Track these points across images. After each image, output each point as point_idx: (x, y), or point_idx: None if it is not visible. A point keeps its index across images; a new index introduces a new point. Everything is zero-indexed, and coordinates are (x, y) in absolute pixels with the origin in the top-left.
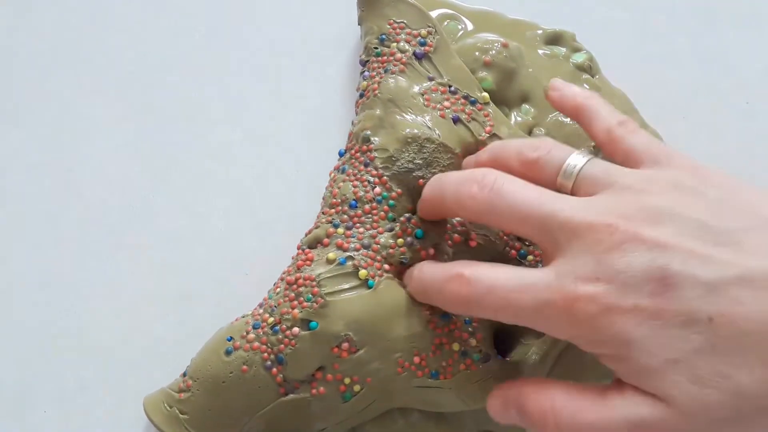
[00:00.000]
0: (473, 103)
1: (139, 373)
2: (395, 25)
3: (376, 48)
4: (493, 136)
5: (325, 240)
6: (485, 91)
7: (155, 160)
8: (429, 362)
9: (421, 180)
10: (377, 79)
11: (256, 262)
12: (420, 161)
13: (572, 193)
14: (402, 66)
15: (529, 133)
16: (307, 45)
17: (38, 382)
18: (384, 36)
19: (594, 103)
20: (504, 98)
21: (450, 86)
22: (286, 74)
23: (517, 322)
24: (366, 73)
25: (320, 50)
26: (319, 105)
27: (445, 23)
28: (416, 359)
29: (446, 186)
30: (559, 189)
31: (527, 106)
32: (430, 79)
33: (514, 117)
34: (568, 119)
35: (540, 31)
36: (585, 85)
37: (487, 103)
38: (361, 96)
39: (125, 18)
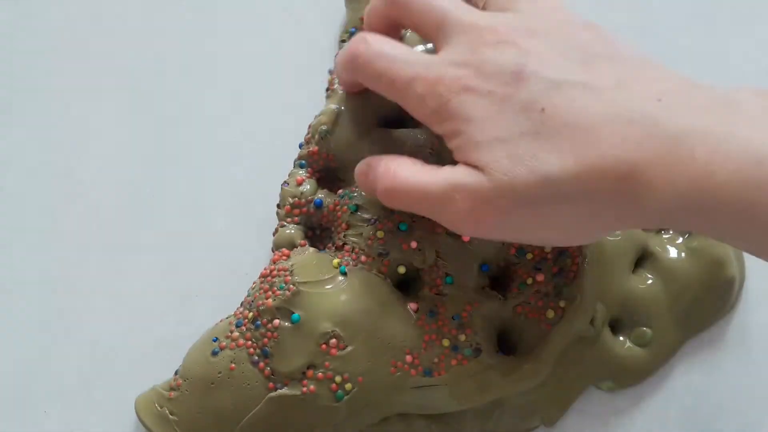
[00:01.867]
0: None
1: (140, 373)
2: None
3: (343, 41)
4: None
5: (302, 242)
6: None
7: (155, 160)
8: (422, 360)
9: None
10: None
11: (256, 262)
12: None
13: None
14: None
15: None
16: (308, 45)
17: (38, 382)
18: (354, 30)
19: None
20: None
21: None
22: (286, 74)
23: (389, 94)
24: (330, 68)
25: (323, 51)
26: (319, 105)
27: None
28: (408, 357)
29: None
30: (473, 2)
31: None
32: None
33: None
34: None
35: None
36: None
37: None
38: (327, 90)
39: (126, 18)
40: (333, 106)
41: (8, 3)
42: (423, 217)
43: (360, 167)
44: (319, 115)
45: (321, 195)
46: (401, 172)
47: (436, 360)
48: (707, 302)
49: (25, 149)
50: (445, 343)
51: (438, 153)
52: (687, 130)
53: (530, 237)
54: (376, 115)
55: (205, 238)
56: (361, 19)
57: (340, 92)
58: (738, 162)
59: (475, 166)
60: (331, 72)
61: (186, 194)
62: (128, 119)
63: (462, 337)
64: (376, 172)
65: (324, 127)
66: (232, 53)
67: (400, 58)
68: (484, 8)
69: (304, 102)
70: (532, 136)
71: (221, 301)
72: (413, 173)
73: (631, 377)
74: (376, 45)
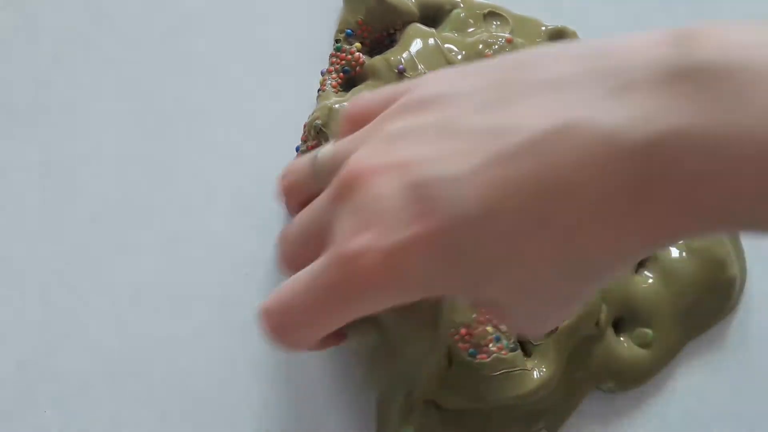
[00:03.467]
0: None
1: (140, 373)
2: (364, 27)
3: (338, 42)
4: None
5: None
6: None
7: (155, 160)
8: (473, 337)
9: None
10: (334, 75)
11: (256, 262)
12: None
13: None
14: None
15: None
16: (309, 45)
17: (38, 382)
18: (350, 32)
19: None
20: None
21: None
22: (287, 74)
23: (343, 318)
24: (323, 69)
25: (325, 51)
26: (314, 105)
27: (453, 12)
28: (463, 330)
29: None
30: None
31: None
32: (401, 72)
33: None
34: None
35: (543, 28)
36: None
37: None
38: (318, 91)
39: (126, 18)
40: (327, 102)
41: (9, 4)
42: None
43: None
44: (314, 113)
45: None
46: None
47: (481, 342)
48: (708, 302)
49: (25, 149)
50: (489, 329)
51: None
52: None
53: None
54: None
55: (205, 238)
56: (358, 23)
57: (332, 91)
58: None
59: None
60: (323, 73)
61: (186, 194)
62: (127, 119)
63: (503, 328)
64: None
65: (318, 122)
66: (233, 53)
67: (303, 291)
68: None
69: (301, 102)
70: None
71: (221, 301)
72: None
73: (632, 379)
74: (270, 306)
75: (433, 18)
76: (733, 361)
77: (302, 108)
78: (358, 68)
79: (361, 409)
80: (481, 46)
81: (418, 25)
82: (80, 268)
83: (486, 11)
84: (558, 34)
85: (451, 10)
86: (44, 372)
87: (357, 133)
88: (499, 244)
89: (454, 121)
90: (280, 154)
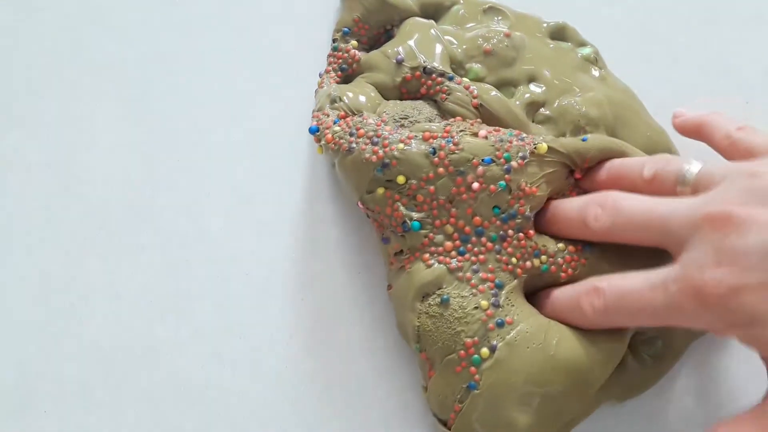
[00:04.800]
0: (450, 78)
1: (139, 373)
2: (360, 24)
3: (335, 41)
4: (481, 107)
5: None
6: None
7: (155, 160)
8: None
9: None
10: (332, 75)
11: (256, 262)
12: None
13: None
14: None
15: (536, 111)
16: (309, 45)
17: (38, 382)
18: (347, 30)
19: (714, 117)
20: (510, 79)
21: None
22: (287, 74)
23: (654, 323)
24: (321, 72)
25: (325, 51)
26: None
27: (453, 8)
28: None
29: (570, 212)
30: (679, 196)
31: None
32: (399, 62)
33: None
34: (577, 104)
35: (544, 25)
36: (594, 74)
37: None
38: (316, 92)
39: (126, 17)
40: (326, 89)
41: (9, 3)
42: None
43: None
44: (319, 100)
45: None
46: None
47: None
48: None
49: (25, 149)
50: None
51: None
52: None
53: None
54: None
55: (205, 238)
56: (355, 20)
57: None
58: None
59: None
60: (321, 75)
61: (186, 194)
62: (127, 119)
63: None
64: None
65: (335, 93)
66: (233, 53)
67: (643, 287)
68: (695, 190)
69: (306, 102)
70: None
71: (221, 301)
72: None
73: (637, 388)
74: (609, 288)
75: (432, 15)
76: (734, 361)
77: (302, 108)
78: (354, 65)
79: (360, 412)
80: (480, 41)
81: (417, 18)
82: (80, 268)
83: (486, 7)
84: (559, 31)
85: (450, 7)
86: (44, 372)
87: (744, 164)
88: None
89: None
90: (280, 154)
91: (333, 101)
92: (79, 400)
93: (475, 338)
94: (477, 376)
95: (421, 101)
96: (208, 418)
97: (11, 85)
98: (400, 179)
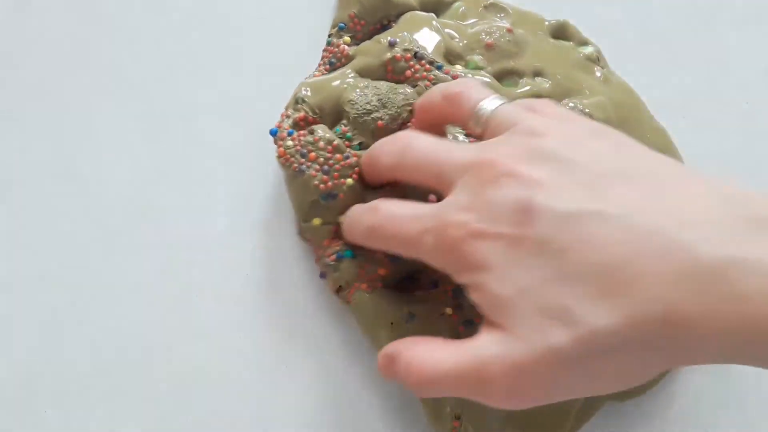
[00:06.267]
0: (439, 68)
1: (140, 373)
2: (356, 20)
3: (330, 36)
4: None
5: None
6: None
7: (155, 160)
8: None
9: (380, 122)
10: (321, 68)
11: (256, 262)
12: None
13: (480, 135)
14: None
15: None
16: (309, 44)
17: (38, 382)
18: (343, 26)
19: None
20: (513, 69)
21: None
22: (286, 74)
23: (406, 253)
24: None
25: (314, 48)
26: None
27: (454, 4)
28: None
29: (373, 149)
30: (469, 131)
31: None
32: (392, 45)
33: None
34: (581, 105)
35: (546, 23)
36: (597, 73)
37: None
38: None
39: (128, 17)
40: (305, 80)
41: (9, 3)
42: None
43: (382, 359)
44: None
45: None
46: (424, 365)
47: None
48: None
49: (25, 149)
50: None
51: None
52: (729, 260)
53: (584, 392)
54: None
55: (205, 238)
56: (350, 16)
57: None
58: None
59: (503, 328)
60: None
61: (186, 194)
62: (128, 119)
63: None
64: (398, 369)
65: (305, 91)
66: (233, 53)
67: (408, 215)
68: (481, 135)
69: None
70: (558, 281)
71: (221, 301)
72: (436, 361)
73: (638, 389)
74: (384, 210)
75: (432, 11)
76: None
77: None
78: (343, 59)
79: (359, 409)
80: (483, 35)
81: (416, 11)
82: (80, 268)
83: (487, 3)
84: (560, 29)
85: (451, 4)
86: (44, 372)
87: (534, 118)
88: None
89: (591, 170)
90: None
91: (296, 101)
92: (79, 400)
93: None
94: None
95: (403, 85)
96: (208, 418)
97: (12, 85)
98: (342, 218)
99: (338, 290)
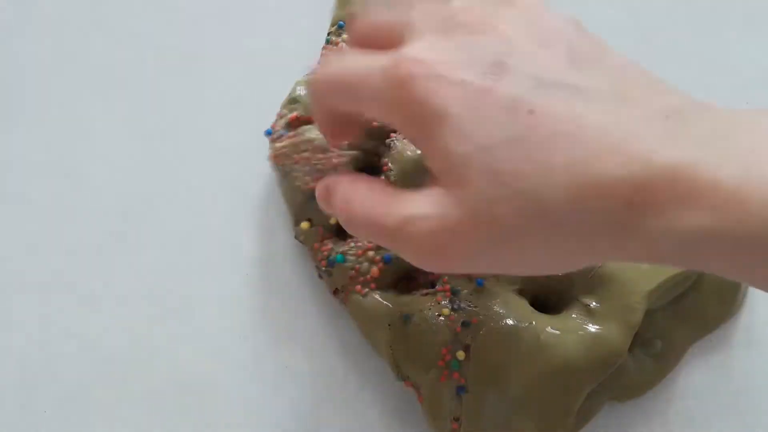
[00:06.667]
0: None
1: (140, 374)
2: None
3: (329, 34)
4: None
5: None
6: None
7: (155, 159)
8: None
9: None
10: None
11: (256, 262)
12: None
13: None
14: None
15: None
16: (309, 44)
17: (38, 382)
18: (342, 24)
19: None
20: None
21: None
22: (286, 74)
23: (351, 105)
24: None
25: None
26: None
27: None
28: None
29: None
30: None
31: None
32: None
33: None
34: None
35: None
36: None
37: None
38: None
39: (126, 17)
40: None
41: (9, 3)
42: None
43: (319, 191)
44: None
45: None
46: (356, 205)
47: None
48: (713, 304)
49: (25, 149)
50: None
51: None
52: (706, 153)
53: (509, 268)
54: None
55: (205, 238)
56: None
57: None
58: None
59: (446, 186)
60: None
61: (186, 194)
62: (127, 119)
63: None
64: (334, 200)
65: (300, 88)
66: (232, 52)
67: (360, 59)
68: None
69: None
70: (517, 143)
71: (221, 301)
72: (369, 206)
73: (639, 389)
74: (326, 66)
75: None
76: (734, 361)
77: None
78: None
79: (359, 409)
80: None
81: None
82: (80, 268)
83: None
84: None
85: None
86: (44, 372)
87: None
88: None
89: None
90: None
91: (291, 101)
92: (79, 400)
93: (448, 345)
94: (462, 379)
95: None
96: (208, 418)
97: (12, 86)
98: (333, 219)
99: (335, 293)
